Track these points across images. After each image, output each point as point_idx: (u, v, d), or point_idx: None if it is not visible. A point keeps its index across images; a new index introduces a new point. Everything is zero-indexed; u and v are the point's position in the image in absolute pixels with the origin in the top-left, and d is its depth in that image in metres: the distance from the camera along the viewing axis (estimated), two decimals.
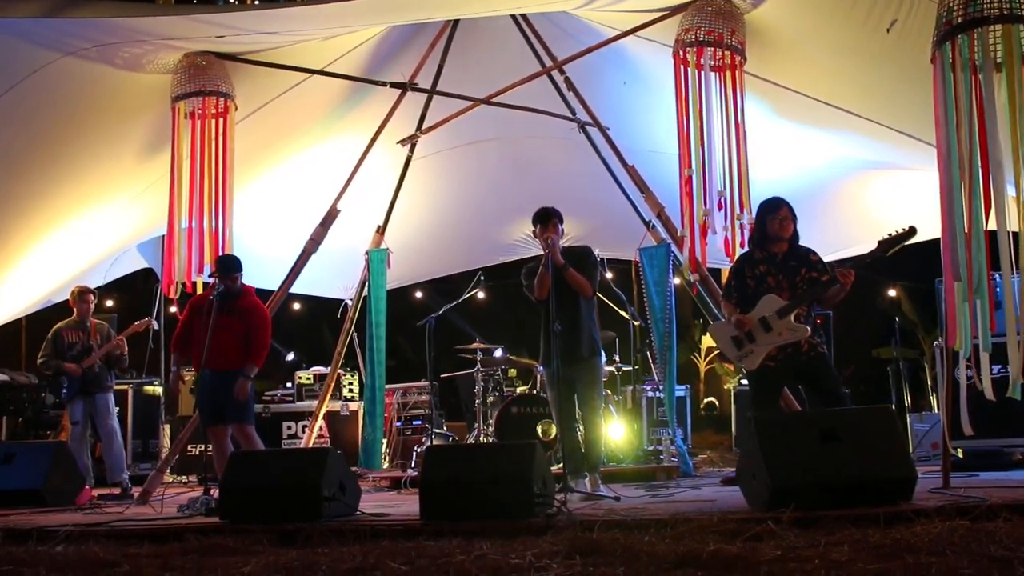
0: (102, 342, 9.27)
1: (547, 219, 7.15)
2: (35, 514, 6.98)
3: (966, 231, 5.46)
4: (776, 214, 6.46)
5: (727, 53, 7.44)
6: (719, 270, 9.48)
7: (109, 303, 14.65)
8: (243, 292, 7.79)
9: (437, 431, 10.47)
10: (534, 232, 7.30)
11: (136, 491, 8.40)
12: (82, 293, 9.38)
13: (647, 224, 9.86)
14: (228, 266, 7.68)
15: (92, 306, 9.45)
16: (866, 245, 6.65)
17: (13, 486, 7.60)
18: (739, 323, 6.41)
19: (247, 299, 7.79)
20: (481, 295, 11.92)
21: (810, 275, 6.35)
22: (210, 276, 7.82)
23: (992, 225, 5.49)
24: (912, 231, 6.14)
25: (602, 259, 7.69)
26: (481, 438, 9.75)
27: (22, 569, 4.30)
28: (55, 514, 6.99)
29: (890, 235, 6.19)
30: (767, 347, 6.32)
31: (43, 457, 7.92)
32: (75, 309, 9.39)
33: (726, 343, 6.61)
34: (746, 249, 6.93)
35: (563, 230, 7.32)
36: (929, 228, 6.34)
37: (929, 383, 11.93)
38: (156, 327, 10.40)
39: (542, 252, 7.12)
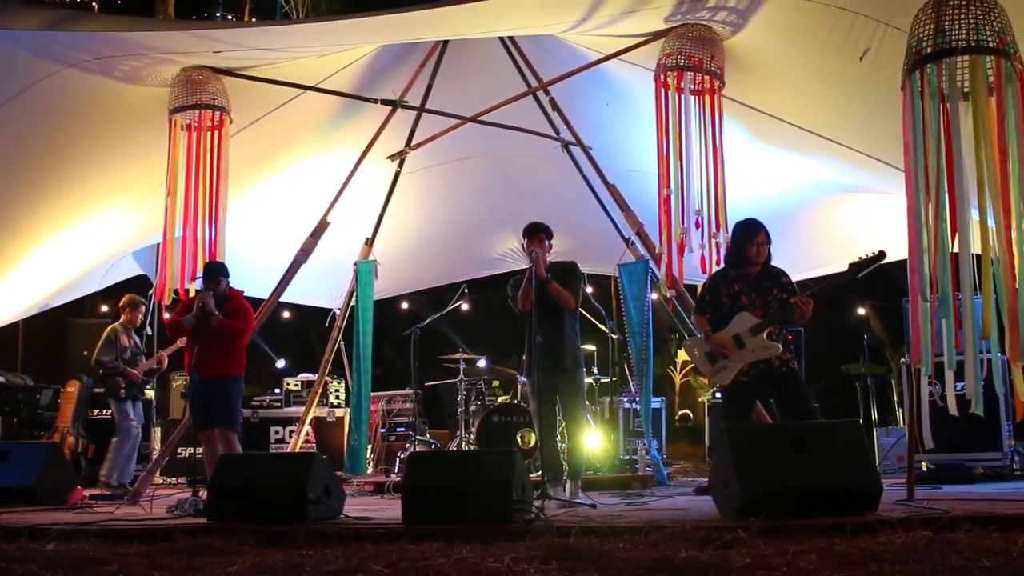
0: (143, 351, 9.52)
1: (534, 233, 7.29)
2: (27, 512, 6.94)
3: (932, 253, 5.57)
4: (755, 239, 6.57)
5: (706, 78, 7.56)
6: (695, 286, 9.59)
7: (104, 308, 14.69)
8: (229, 296, 7.84)
9: (420, 438, 10.60)
10: (523, 245, 7.43)
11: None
12: (137, 303, 9.69)
13: (627, 241, 9.87)
14: (211, 271, 7.77)
15: (138, 314, 9.72)
16: (837, 265, 6.78)
17: (6, 484, 7.58)
18: (717, 344, 6.51)
19: (233, 302, 7.85)
20: (465, 307, 12.00)
21: (781, 295, 6.47)
22: (198, 279, 7.89)
23: (957, 248, 5.56)
24: (882, 255, 6.25)
25: (583, 274, 7.79)
26: (463, 445, 9.82)
27: (13, 566, 4.27)
28: (47, 513, 6.95)
29: (860, 258, 6.30)
30: (740, 363, 6.43)
31: (36, 457, 7.91)
32: (127, 316, 9.71)
33: (700, 358, 6.70)
34: (721, 266, 7.08)
35: (551, 245, 7.42)
36: (898, 249, 6.50)
37: (896, 398, 12.09)
38: (150, 332, 10.53)
39: (527, 266, 7.22)
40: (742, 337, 6.41)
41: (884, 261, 6.34)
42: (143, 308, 9.73)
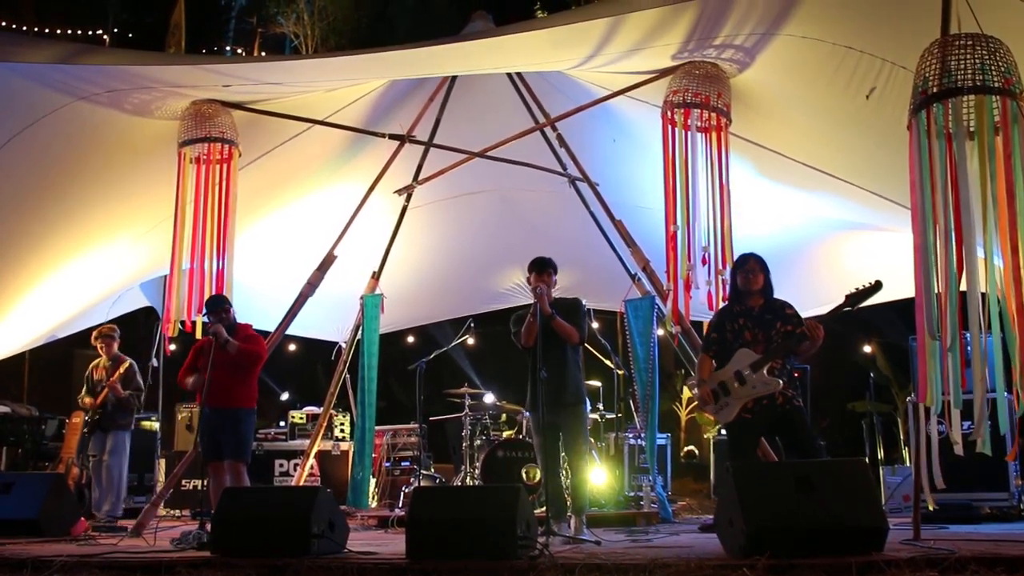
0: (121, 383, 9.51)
1: (542, 268, 7.31)
2: (31, 544, 6.92)
3: (940, 291, 5.54)
4: (743, 268, 6.63)
5: (713, 115, 7.60)
6: (701, 323, 9.58)
7: None
8: (238, 327, 7.89)
9: (425, 472, 10.57)
10: (528, 279, 7.45)
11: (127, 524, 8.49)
12: (95, 338, 9.73)
13: (633, 277, 9.97)
14: (216, 302, 7.80)
15: (107, 347, 9.71)
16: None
17: (10, 516, 7.57)
18: (702, 396, 6.59)
19: (243, 332, 7.90)
20: (471, 341, 12.02)
21: (785, 328, 6.44)
22: (204, 316, 7.92)
23: (964, 286, 5.56)
24: (878, 285, 6.22)
25: (589, 309, 7.79)
26: (467, 480, 9.81)
27: None
28: (50, 544, 6.94)
29: (857, 289, 6.27)
30: (742, 400, 6.40)
31: (40, 488, 7.87)
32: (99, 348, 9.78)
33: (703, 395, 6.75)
34: (726, 303, 7.08)
35: (556, 280, 7.46)
36: (905, 287, 6.50)
37: (902, 437, 12.05)
38: (156, 364, 10.54)
39: (532, 300, 7.21)
40: (743, 373, 6.41)
41: (892, 297, 6.32)
42: (107, 339, 9.75)
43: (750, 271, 6.62)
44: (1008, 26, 5.76)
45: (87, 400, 9.50)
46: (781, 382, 6.36)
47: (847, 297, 6.33)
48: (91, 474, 9.37)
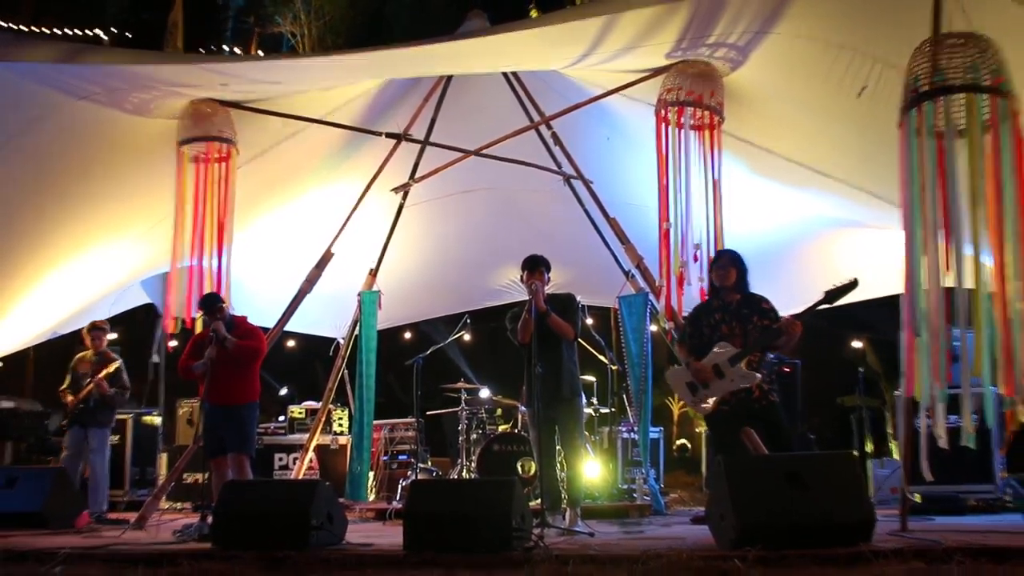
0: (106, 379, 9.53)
1: (534, 266, 7.39)
2: (35, 536, 6.99)
3: (927, 287, 5.64)
4: (716, 264, 6.77)
5: (706, 113, 7.65)
6: None
7: (112, 336, 14.81)
8: (236, 322, 7.94)
9: (422, 466, 10.65)
10: (521, 277, 7.50)
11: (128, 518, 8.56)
12: (88, 330, 9.69)
13: (627, 274, 10.03)
14: (210, 301, 7.82)
15: (97, 340, 9.67)
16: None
17: (14, 509, 7.66)
18: (696, 371, 6.59)
19: (242, 326, 7.95)
20: (467, 337, 12.07)
21: (762, 322, 6.54)
22: (203, 316, 7.97)
23: (951, 282, 5.64)
24: (854, 283, 6.30)
25: (583, 306, 7.85)
26: (464, 473, 9.87)
27: None
28: (54, 537, 7.01)
29: (835, 286, 6.34)
30: (720, 393, 6.50)
31: (44, 481, 7.98)
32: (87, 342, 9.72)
33: (682, 389, 6.79)
34: (706, 299, 7.14)
35: (549, 278, 7.52)
36: (895, 283, 6.57)
37: (890, 431, 12.11)
38: (157, 360, 10.56)
39: (527, 297, 7.30)
40: (721, 367, 6.49)
41: (885, 293, 6.37)
42: (95, 333, 9.70)
43: (722, 267, 6.74)
44: (999, 25, 5.81)
45: (69, 398, 9.45)
46: (758, 376, 6.45)
47: (826, 293, 6.40)
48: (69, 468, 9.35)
